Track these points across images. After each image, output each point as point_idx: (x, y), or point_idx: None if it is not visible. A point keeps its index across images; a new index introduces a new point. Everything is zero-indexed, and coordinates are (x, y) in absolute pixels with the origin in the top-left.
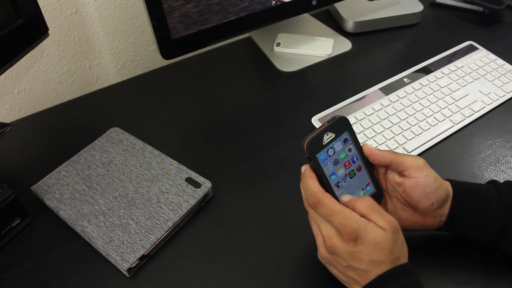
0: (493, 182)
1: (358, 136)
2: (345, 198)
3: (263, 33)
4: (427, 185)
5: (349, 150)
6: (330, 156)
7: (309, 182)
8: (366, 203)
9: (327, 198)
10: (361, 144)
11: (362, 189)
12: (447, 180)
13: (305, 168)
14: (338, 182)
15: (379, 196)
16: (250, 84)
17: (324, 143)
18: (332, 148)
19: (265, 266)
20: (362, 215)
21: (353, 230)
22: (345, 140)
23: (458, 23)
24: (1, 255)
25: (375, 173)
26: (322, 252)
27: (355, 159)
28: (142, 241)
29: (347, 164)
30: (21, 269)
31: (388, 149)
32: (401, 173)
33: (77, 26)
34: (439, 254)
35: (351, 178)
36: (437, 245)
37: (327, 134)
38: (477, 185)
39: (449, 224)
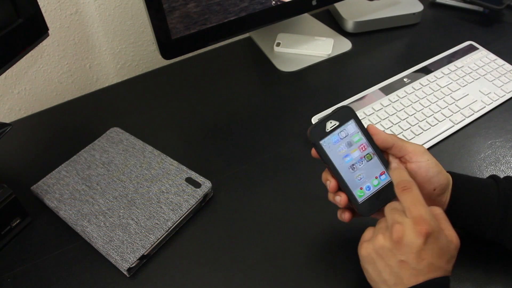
0: (492, 177)
1: None
2: None
3: (263, 33)
4: (429, 169)
5: (356, 139)
6: (334, 143)
7: (403, 170)
8: (438, 210)
9: (417, 188)
10: (367, 125)
11: (376, 177)
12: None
13: (397, 162)
14: (347, 169)
15: None
16: (250, 84)
17: (327, 131)
18: (336, 135)
19: (265, 266)
20: None
21: (430, 226)
22: (351, 129)
23: (458, 23)
24: (1, 255)
25: None
26: (380, 240)
27: (363, 147)
28: (142, 241)
29: (355, 152)
30: (21, 269)
31: None
32: (402, 159)
33: (77, 26)
34: None
35: (360, 165)
36: None
37: (330, 122)
38: (476, 178)
39: (450, 213)
